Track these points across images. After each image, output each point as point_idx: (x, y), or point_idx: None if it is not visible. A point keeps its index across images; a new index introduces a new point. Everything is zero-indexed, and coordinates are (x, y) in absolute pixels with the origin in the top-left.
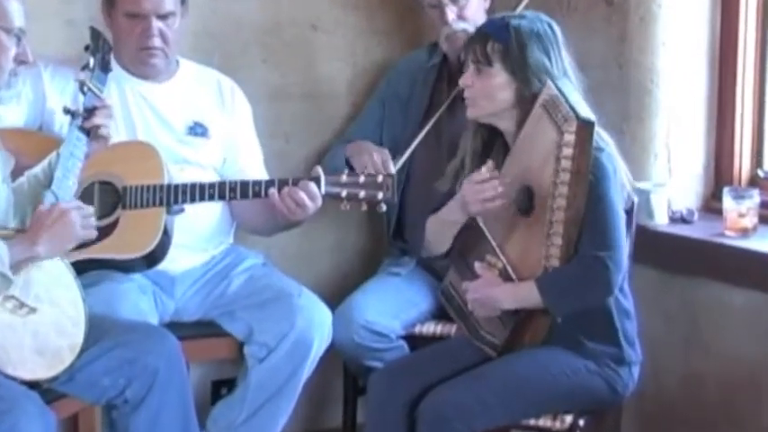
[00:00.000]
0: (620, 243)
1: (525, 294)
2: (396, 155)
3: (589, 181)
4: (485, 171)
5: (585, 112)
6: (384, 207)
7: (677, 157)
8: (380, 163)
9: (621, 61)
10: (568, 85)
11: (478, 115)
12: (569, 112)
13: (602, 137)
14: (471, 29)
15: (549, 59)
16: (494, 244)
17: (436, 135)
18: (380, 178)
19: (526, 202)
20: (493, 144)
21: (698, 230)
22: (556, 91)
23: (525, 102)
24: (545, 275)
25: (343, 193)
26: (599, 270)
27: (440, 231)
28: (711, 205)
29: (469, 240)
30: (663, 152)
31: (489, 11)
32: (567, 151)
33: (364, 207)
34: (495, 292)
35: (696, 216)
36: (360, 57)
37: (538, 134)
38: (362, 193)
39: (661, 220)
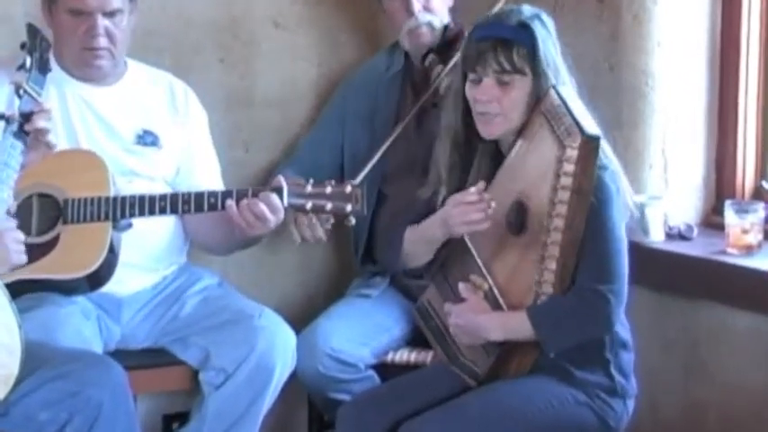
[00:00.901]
0: (622, 274)
1: (515, 325)
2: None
3: (590, 203)
4: (474, 191)
5: (590, 125)
6: (353, 220)
7: (674, 168)
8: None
9: (613, 62)
10: (571, 91)
11: (503, 132)
12: (573, 126)
13: (606, 152)
14: (437, 23)
15: (559, 60)
16: (480, 262)
17: (406, 148)
18: (349, 189)
19: (519, 219)
20: (472, 152)
21: (697, 248)
22: (558, 100)
23: (531, 108)
24: (538, 306)
25: (308, 205)
26: (598, 304)
27: (419, 244)
28: (712, 220)
29: (453, 255)
30: (659, 162)
31: (453, 9)
32: (569, 168)
33: (331, 220)
34: (481, 319)
35: (695, 232)
36: (326, 56)
37: (537, 145)
38: (329, 205)
39: (657, 237)
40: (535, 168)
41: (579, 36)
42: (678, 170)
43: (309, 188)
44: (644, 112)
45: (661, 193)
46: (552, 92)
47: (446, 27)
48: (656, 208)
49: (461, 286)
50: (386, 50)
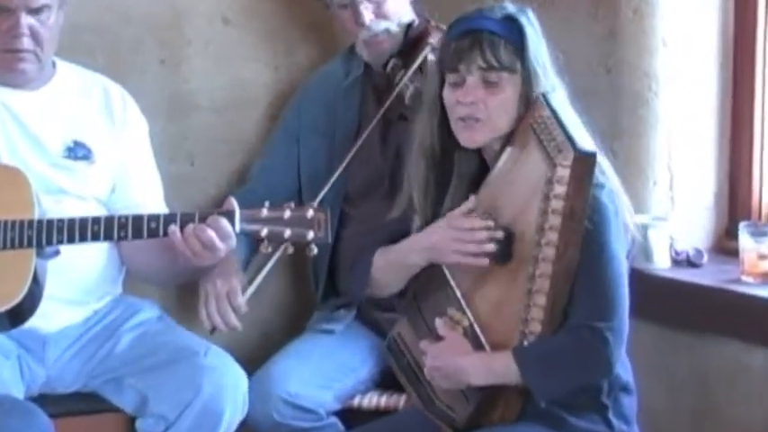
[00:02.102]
0: (622, 309)
1: (500, 369)
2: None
3: (585, 227)
4: (471, 207)
5: (585, 140)
6: (315, 250)
7: (681, 184)
8: (223, 297)
9: (611, 64)
10: (562, 99)
11: (487, 140)
12: (564, 141)
13: (603, 168)
14: (395, 27)
15: (548, 62)
16: (459, 295)
17: (370, 163)
18: (310, 213)
19: (504, 246)
20: (450, 168)
21: (708, 276)
22: (548, 110)
23: (522, 113)
24: (526, 347)
25: (264, 232)
26: (595, 345)
27: (391, 270)
28: (724, 244)
29: (428, 285)
30: (663, 178)
31: (415, 1)
32: (560, 189)
33: (290, 250)
34: (461, 362)
35: (705, 258)
36: (282, 57)
37: (524, 162)
38: (288, 232)
39: (662, 264)
40: (522, 188)
41: (571, 34)
42: (686, 187)
43: (265, 212)
44: (646, 120)
45: (666, 214)
46: (542, 101)
47: (409, 26)
48: (660, 230)
49: (438, 322)
50: (343, 55)
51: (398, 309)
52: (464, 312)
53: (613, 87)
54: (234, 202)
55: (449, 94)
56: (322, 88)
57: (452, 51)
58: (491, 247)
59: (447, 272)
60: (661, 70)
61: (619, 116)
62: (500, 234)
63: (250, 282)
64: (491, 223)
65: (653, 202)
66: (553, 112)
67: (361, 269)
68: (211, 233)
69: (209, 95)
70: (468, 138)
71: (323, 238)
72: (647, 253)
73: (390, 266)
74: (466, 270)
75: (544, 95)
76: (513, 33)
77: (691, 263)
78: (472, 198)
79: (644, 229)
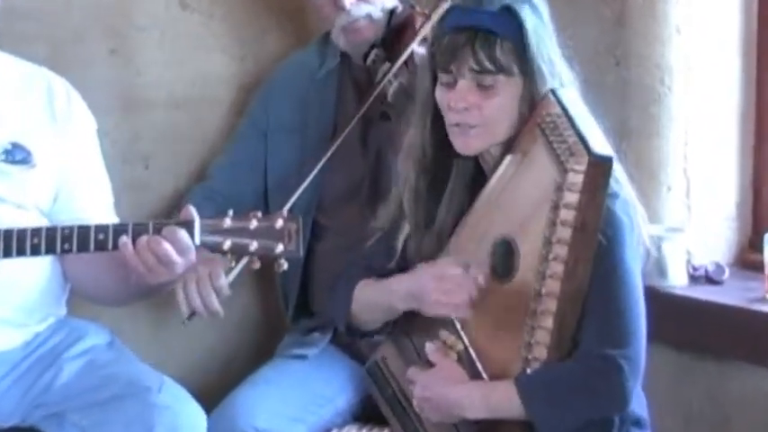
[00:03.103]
0: (639, 335)
1: (500, 400)
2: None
3: (598, 242)
4: (458, 264)
5: (600, 143)
6: (285, 265)
7: (699, 191)
8: (206, 279)
9: (619, 55)
10: (574, 96)
11: (484, 147)
12: (577, 143)
13: (617, 174)
14: (378, 13)
15: (557, 52)
16: (453, 316)
17: (348, 167)
18: (280, 222)
19: (505, 261)
20: (444, 174)
21: (730, 294)
22: (559, 108)
23: (524, 117)
24: (530, 376)
25: (227, 244)
26: (609, 375)
27: (371, 310)
28: (748, 258)
29: None
30: (679, 183)
31: None
32: (571, 198)
33: (257, 264)
34: (456, 392)
35: (727, 274)
36: (250, 47)
37: (529, 166)
38: (254, 245)
39: (678, 280)
40: (527, 197)
41: (575, 21)
42: (704, 194)
43: (229, 222)
44: (659, 118)
45: (682, 224)
46: (551, 98)
47: (391, 12)
48: (676, 243)
49: (429, 347)
50: (317, 42)
51: (383, 329)
52: (458, 335)
53: (621, 81)
54: (193, 211)
55: (441, 95)
56: (293, 79)
57: (444, 48)
58: (479, 296)
59: None
60: (675, 61)
61: (627, 113)
62: (481, 279)
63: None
64: (481, 279)
65: (667, 211)
66: (564, 109)
67: (340, 300)
68: (168, 246)
69: (165, 90)
70: (463, 145)
71: (294, 251)
72: (660, 268)
73: (370, 305)
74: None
75: (554, 91)
76: (512, 29)
77: (710, 279)
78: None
79: (657, 241)
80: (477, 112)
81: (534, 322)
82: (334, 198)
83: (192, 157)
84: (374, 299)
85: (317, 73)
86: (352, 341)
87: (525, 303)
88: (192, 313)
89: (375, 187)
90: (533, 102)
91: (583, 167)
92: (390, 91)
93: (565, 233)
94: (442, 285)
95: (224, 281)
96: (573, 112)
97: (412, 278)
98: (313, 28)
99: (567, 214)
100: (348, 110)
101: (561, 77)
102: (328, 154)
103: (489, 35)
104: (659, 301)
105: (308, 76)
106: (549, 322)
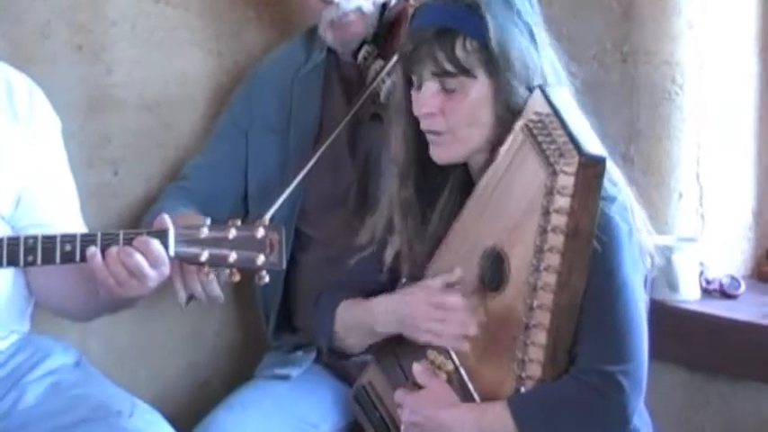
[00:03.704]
0: (639, 350)
1: (492, 422)
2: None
3: (593, 249)
4: (453, 280)
5: (591, 142)
6: (266, 277)
7: (713, 198)
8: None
9: (627, 51)
10: (565, 94)
11: (458, 156)
12: (567, 143)
13: (612, 176)
14: (369, 6)
15: (537, 50)
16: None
17: (335, 172)
18: (261, 232)
19: (494, 272)
20: (439, 182)
21: (746, 309)
22: (547, 107)
23: (504, 120)
24: (523, 395)
25: (204, 256)
26: (607, 393)
27: (354, 332)
28: (765, 271)
29: None
30: (691, 189)
31: None
32: (562, 202)
33: (236, 277)
34: (446, 416)
35: (742, 288)
36: (227, 43)
37: (517, 169)
38: (233, 256)
39: (690, 294)
40: (515, 203)
41: (579, 14)
42: (718, 201)
43: (206, 231)
44: (669, 119)
45: (695, 234)
46: (539, 95)
47: (384, 6)
48: (687, 254)
49: (416, 368)
50: (302, 35)
51: (369, 351)
52: (448, 355)
53: (629, 79)
54: (167, 220)
55: (413, 100)
56: (278, 74)
57: (407, 49)
58: (474, 330)
59: None
60: (687, 58)
61: (635, 114)
62: (484, 319)
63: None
64: (476, 305)
65: (678, 220)
66: (553, 108)
67: (323, 319)
68: (139, 258)
69: (137, 89)
70: (435, 154)
71: (276, 263)
72: (671, 281)
73: (354, 327)
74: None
75: (542, 89)
76: (477, 26)
77: (724, 293)
78: (457, 270)
79: (668, 252)
80: (441, 119)
81: (527, 338)
82: (318, 205)
83: (165, 163)
84: (357, 320)
85: (304, 68)
86: (336, 362)
87: (517, 317)
88: (191, 297)
89: (363, 194)
90: (509, 103)
91: (573, 169)
92: (383, 90)
93: (556, 240)
94: (435, 314)
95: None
96: (563, 111)
97: (400, 302)
98: (297, 21)
99: (558, 220)
100: (335, 109)
101: (545, 77)
102: (314, 158)
103: (449, 33)
104: (669, 316)
105: (293, 72)
106: (542, 337)
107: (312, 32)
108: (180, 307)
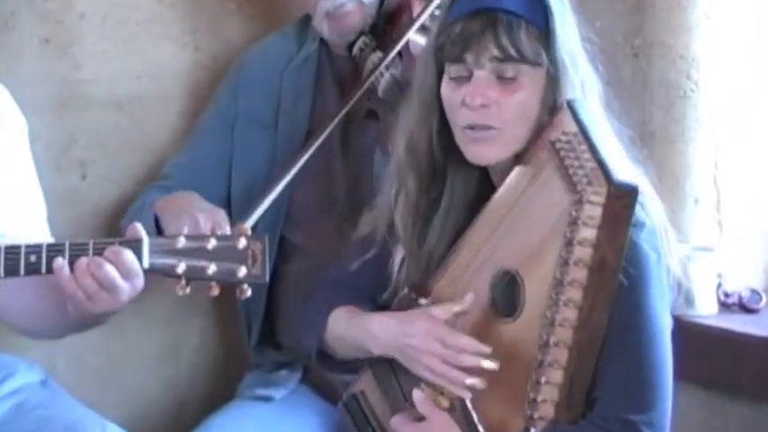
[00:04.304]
0: (664, 396)
1: None
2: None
3: (620, 284)
4: (461, 310)
5: (622, 167)
6: (248, 291)
7: (731, 204)
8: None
9: (638, 45)
10: (595, 108)
11: (500, 156)
12: (596, 169)
13: (642, 198)
14: None
15: (578, 49)
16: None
17: (325, 174)
18: (242, 242)
19: (507, 297)
20: (440, 184)
21: (766, 324)
22: (575, 125)
23: (542, 124)
24: None
25: (181, 268)
26: None
27: (345, 345)
28: None
29: None
30: (708, 195)
31: None
32: (587, 233)
33: (215, 291)
34: None
35: (764, 301)
36: (205, 36)
37: (538, 192)
38: (212, 268)
39: (706, 309)
40: (536, 226)
41: (586, 4)
42: (737, 207)
43: (183, 241)
44: (684, 118)
45: (712, 243)
46: (568, 112)
47: None
48: (704, 265)
49: (417, 395)
50: (296, 25)
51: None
52: None
53: (641, 75)
54: (140, 229)
55: (450, 93)
56: (267, 65)
57: (456, 35)
58: (479, 384)
59: None
60: (703, 52)
61: (647, 113)
62: (493, 366)
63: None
64: (487, 350)
65: (694, 228)
66: (582, 127)
67: (313, 323)
68: (110, 269)
69: (107, 86)
70: (477, 153)
71: (258, 275)
72: (686, 295)
73: (345, 339)
74: (458, 324)
75: (570, 104)
76: (537, 13)
77: (744, 307)
78: (468, 297)
79: (683, 263)
80: (496, 111)
81: (541, 376)
82: (305, 211)
83: (138, 165)
84: (349, 333)
85: (294, 59)
86: (323, 382)
87: (530, 352)
88: (223, 237)
89: (354, 199)
90: (554, 105)
91: (602, 198)
92: (381, 85)
93: (579, 274)
94: (441, 351)
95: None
96: (592, 130)
97: (400, 329)
98: (281, 13)
99: (582, 252)
100: (327, 105)
101: (584, 78)
102: (303, 159)
103: (513, 17)
104: (685, 332)
105: (283, 63)
106: (558, 376)
107: (305, 22)
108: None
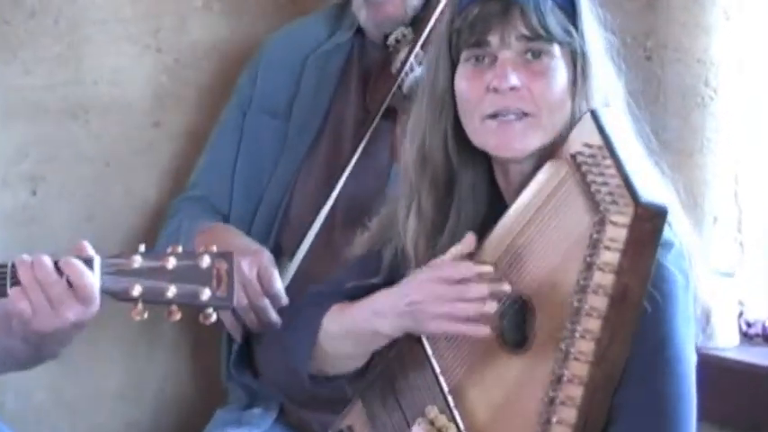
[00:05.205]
0: None
1: None
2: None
3: (643, 311)
4: (465, 250)
5: (651, 186)
6: (213, 316)
7: (754, 223)
8: (255, 284)
9: (651, 47)
10: (620, 118)
11: (532, 147)
12: (621, 187)
13: (671, 216)
14: None
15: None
16: (444, 389)
17: (329, 179)
18: (206, 261)
19: (516, 326)
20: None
21: None
22: (599, 136)
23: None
24: None
25: (136, 290)
26: None
27: (347, 341)
28: None
29: (398, 365)
30: (728, 213)
31: None
32: (609, 257)
33: (177, 316)
34: None
35: None
36: (168, 37)
37: (556, 209)
38: (173, 290)
39: (727, 340)
40: (552, 249)
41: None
42: (760, 227)
43: (139, 260)
44: (702, 129)
45: (733, 266)
46: (591, 122)
47: None
48: (724, 291)
49: (416, 430)
50: (331, 9)
51: (349, 392)
52: (451, 416)
53: (654, 80)
54: (88, 247)
55: (468, 82)
56: (291, 48)
57: (476, 16)
58: (493, 306)
59: (429, 349)
60: (722, 56)
61: (661, 123)
62: (507, 288)
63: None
64: (490, 269)
65: (713, 250)
66: (606, 140)
67: (302, 335)
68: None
69: (60, 92)
70: (504, 144)
71: (224, 299)
72: (704, 324)
73: (347, 335)
74: (459, 349)
75: (594, 114)
76: None
77: None
78: (469, 236)
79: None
80: (527, 94)
81: (552, 415)
82: (304, 215)
83: (95, 180)
84: (352, 325)
85: (324, 44)
86: (300, 421)
87: (542, 387)
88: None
89: (357, 208)
90: (586, 99)
91: (627, 220)
92: (407, 81)
93: (599, 303)
94: (447, 291)
95: (279, 284)
96: (617, 143)
97: (402, 288)
98: (254, 11)
99: (603, 279)
100: (347, 101)
101: (609, 74)
102: (339, 185)
103: None
104: (702, 366)
105: (309, 49)
106: (572, 416)
107: (342, 7)
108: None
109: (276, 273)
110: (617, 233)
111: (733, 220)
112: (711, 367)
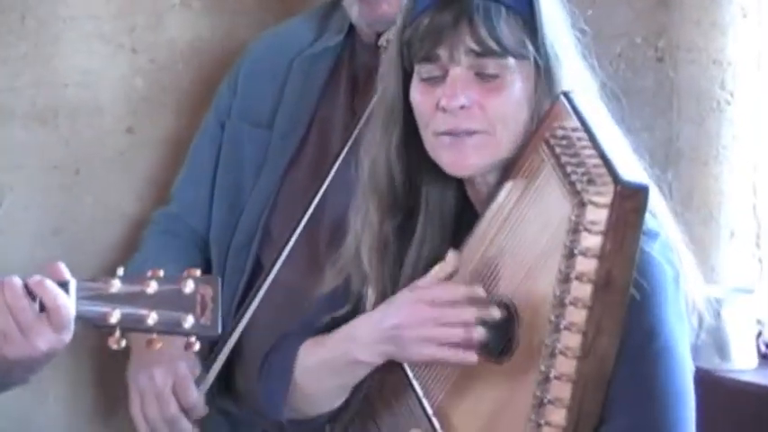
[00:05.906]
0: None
1: None
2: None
3: (630, 299)
4: (449, 270)
5: (630, 164)
6: (197, 345)
7: None
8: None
9: (663, 48)
10: (595, 102)
11: (484, 165)
12: (599, 166)
13: (654, 208)
14: None
15: (571, 42)
16: (428, 410)
17: (310, 186)
18: (190, 286)
19: (500, 333)
20: (412, 210)
21: None
22: (574, 118)
23: (534, 125)
24: None
25: (115, 317)
26: None
27: (324, 375)
28: None
29: (380, 389)
30: (745, 226)
31: None
32: (590, 242)
33: (157, 345)
34: None
35: None
36: (143, 36)
37: (535, 200)
38: (153, 317)
39: (744, 362)
40: (531, 243)
41: (601, 1)
42: None
43: (118, 284)
44: (717, 136)
45: (751, 283)
46: (564, 104)
47: None
48: (741, 309)
49: None
50: (320, 9)
51: (330, 428)
52: None
53: (666, 83)
54: (63, 269)
55: (421, 97)
56: (274, 51)
57: (426, 28)
58: (482, 332)
59: (409, 371)
60: (739, 57)
61: (674, 129)
62: (497, 313)
63: (207, 364)
64: (482, 292)
65: (729, 266)
66: (582, 121)
67: (276, 376)
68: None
69: (27, 96)
70: (457, 161)
71: (209, 326)
72: (720, 344)
73: (324, 367)
74: (441, 369)
75: (567, 95)
76: (522, 0)
77: None
78: (451, 255)
79: (716, 307)
80: (478, 112)
81: (541, 417)
82: (285, 231)
83: (64, 189)
84: (329, 356)
85: (310, 48)
86: None
87: (529, 390)
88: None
89: (342, 218)
90: (548, 102)
91: (607, 199)
92: None
93: (582, 291)
94: (430, 313)
95: (195, 397)
96: (592, 122)
97: (380, 313)
98: (235, 8)
99: (585, 265)
100: (333, 108)
101: (577, 76)
102: (315, 200)
103: (491, 4)
104: (718, 389)
105: (294, 52)
106: (560, 417)
107: (333, 7)
108: None
109: (192, 384)
110: (597, 215)
111: (751, 234)
112: (728, 391)
